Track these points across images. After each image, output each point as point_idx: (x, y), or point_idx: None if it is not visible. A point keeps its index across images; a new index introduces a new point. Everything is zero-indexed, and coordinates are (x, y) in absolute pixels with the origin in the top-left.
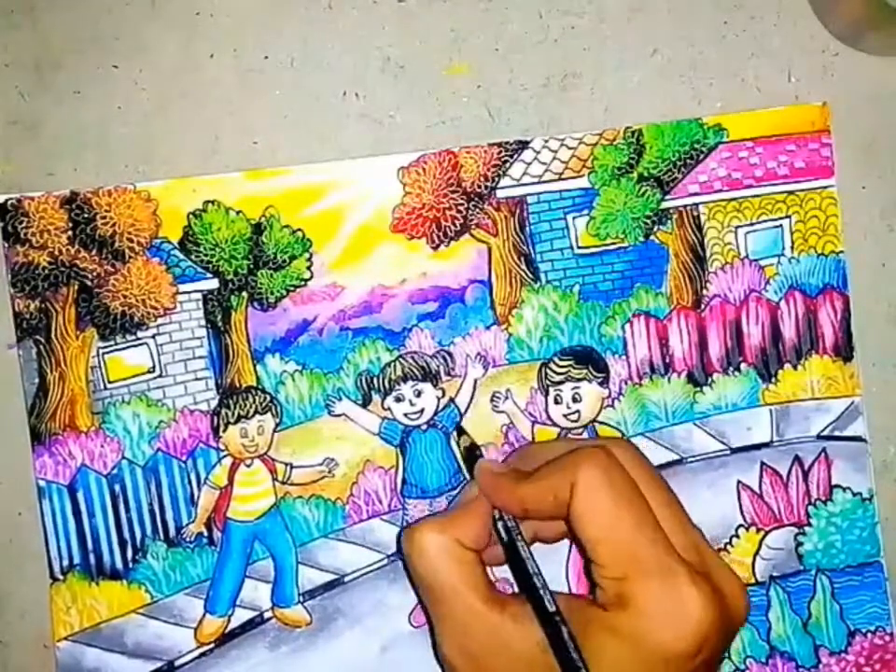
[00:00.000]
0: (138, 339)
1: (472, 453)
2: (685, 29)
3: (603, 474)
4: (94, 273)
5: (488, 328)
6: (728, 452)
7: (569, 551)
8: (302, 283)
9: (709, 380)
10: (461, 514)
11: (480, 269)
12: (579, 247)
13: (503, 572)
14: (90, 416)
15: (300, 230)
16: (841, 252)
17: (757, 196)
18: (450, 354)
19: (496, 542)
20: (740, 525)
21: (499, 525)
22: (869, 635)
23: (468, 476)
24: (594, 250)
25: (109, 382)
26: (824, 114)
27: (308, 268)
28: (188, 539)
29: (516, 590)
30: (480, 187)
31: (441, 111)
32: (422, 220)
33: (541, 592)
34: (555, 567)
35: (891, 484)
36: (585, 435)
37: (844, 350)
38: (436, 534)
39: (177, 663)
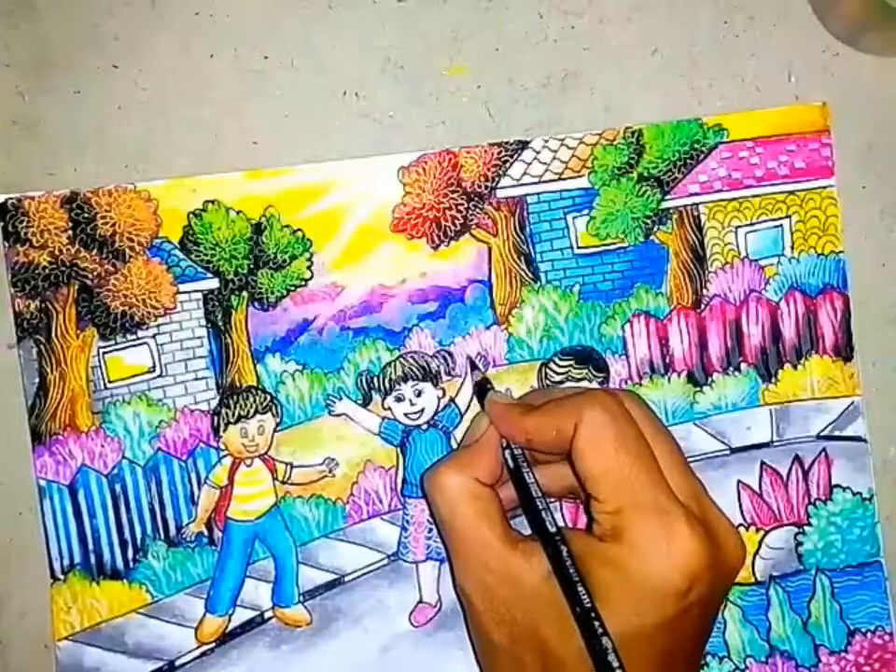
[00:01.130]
0: (138, 339)
1: (483, 387)
2: (685, 29)
3: (607, 414)
4: (95, 273)
5: (488, 328)
6: (728, 452)
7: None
8: (303, 283)
9: (709, 380)
10: (475, 451)
11: (480, 269)
12: (579, 247)
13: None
14: (90, 416)
15: (300, 229)
16: (841, 252)
17: (757, 196)
18: (450, 354)
19: (507, 480)
20: (740, 525)
21: (506, 453)
22: (869, 634)
23: (480, 408)
24: (594, 250)
25: (109, 381)
26: (824, 114)
27: (308, 268)
28: (188, 539)
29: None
30: (480, 187)
31: (441, 111)
32: (422, 220)
33: (543, 514)
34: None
35: (891, 484)
36: None
37: (844, 350)
38: (455, 474)
39: (178, 662)
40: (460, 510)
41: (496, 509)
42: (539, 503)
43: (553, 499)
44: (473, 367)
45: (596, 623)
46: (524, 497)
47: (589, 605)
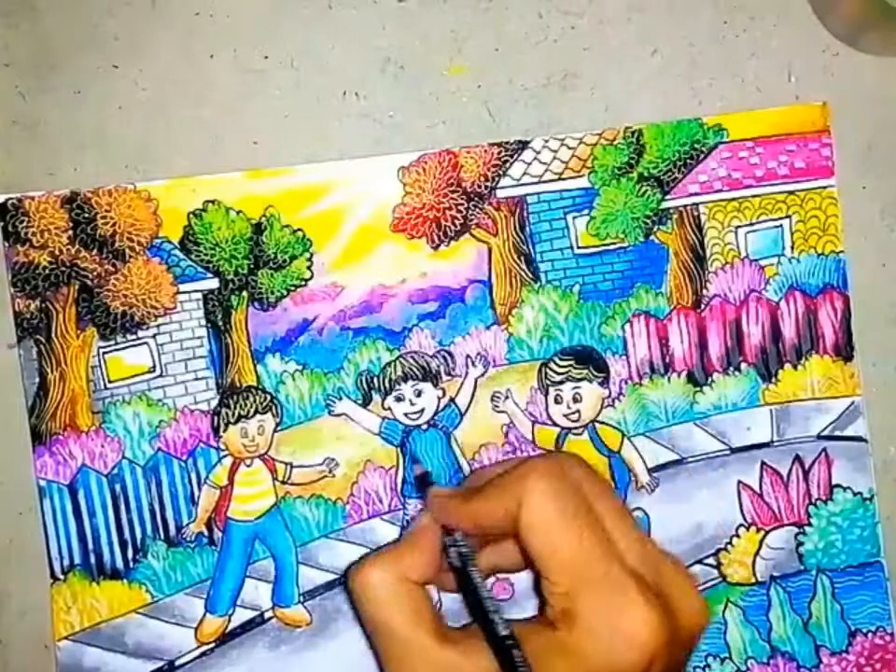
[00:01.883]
0: (138, 338)
1: (423, 481)
2: (685, 29)
3: (550, 487)
4: (95, 273)
5: (488, 327)
6: (728, 452)
7: None
8: (303, 283)
9: (709, 380)
10: (407, 548)
11: (480, 269)
12: (579, 247)
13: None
14: (90, 416)
15: (300, 229)
16: (841, 252)
17: (757, 196)
18: (450, 354)
19: (447, 570)
20: (741, 525)
21: (452, 551)
22: (870, 635)
23: (420, 506)
24: (594, 250)
25: (109, 381)
26: (824, 114)
27: (308, 268)
28: (188, 539)
29: (466, 621)
30: (480, 186)
31: (441, 111)
32: (422, 220)
33: (493, 616)
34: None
35: (892, 484)
36: (585, 436)
37: (844, 350)
38: (380, 571)
39: (178, 662)
40: (385, 609)
41: (427, 608)
42: (488, 605)
43: (502, 575)
44: (415, 460)
45: None
46: (471, 600)
47: None
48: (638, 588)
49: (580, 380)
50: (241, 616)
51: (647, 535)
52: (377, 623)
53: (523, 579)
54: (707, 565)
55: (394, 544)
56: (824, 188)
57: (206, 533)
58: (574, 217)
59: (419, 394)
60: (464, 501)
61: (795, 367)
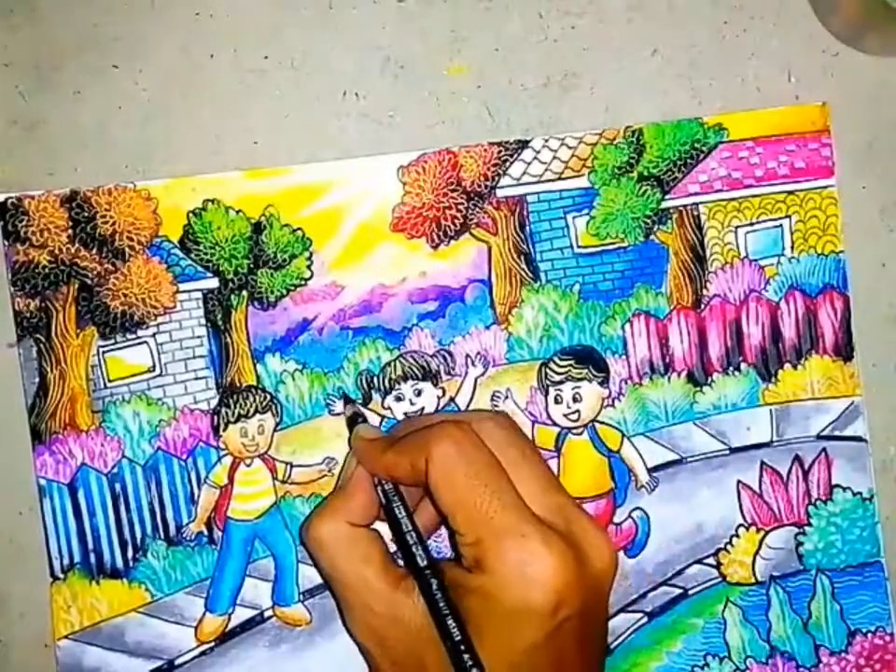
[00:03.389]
0: (138, 338)
1: (354, 420)
2: (685, 29)
3: (454, 447)
4: (94, 272)
5: (488, 327)
6: (728, 452)
7: None
8: (302, 282)
9: (709, 380)
10: (346, 493)
11: (480, 268)
12: (579, 247)
13: None
14: (90, 415)
15: (300, 229)
16: (841, 252)
17: (757, 196)
18: (450, 353)
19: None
20: (740, 525)
21: (378, 488)
22: (869, 635)
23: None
24: (594, 250)
25: (109, 381)
26: (824, 114)
27: (308, 267)
28: (188, 538)
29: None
30: (480, 186)
31: (441, 111)
32: (422, 220)
33: (413, 548)
34: None
35: (891, 484)
36: (585, 436)
37: (844, 350)
38: (327, 521)
39: (178, 661)
40: (337, 558)
41: (375, 550)
42: (409, 537)
43: (436, 534)
44: (347, 401)
45: (466, 656)
46: (396, 534)
47: (458, 637)
48: (542, 533)
49: (580, 380)
50: (241, 615)
51: (557, 483)
52: (331, 572)
53: None
54: (706, 565)
55: (334, 492)
56: (824, 188)
57: (206, 532)
58: (574, 217)
59: (419, 393)
60: (380, 451)
61: (795, 367)
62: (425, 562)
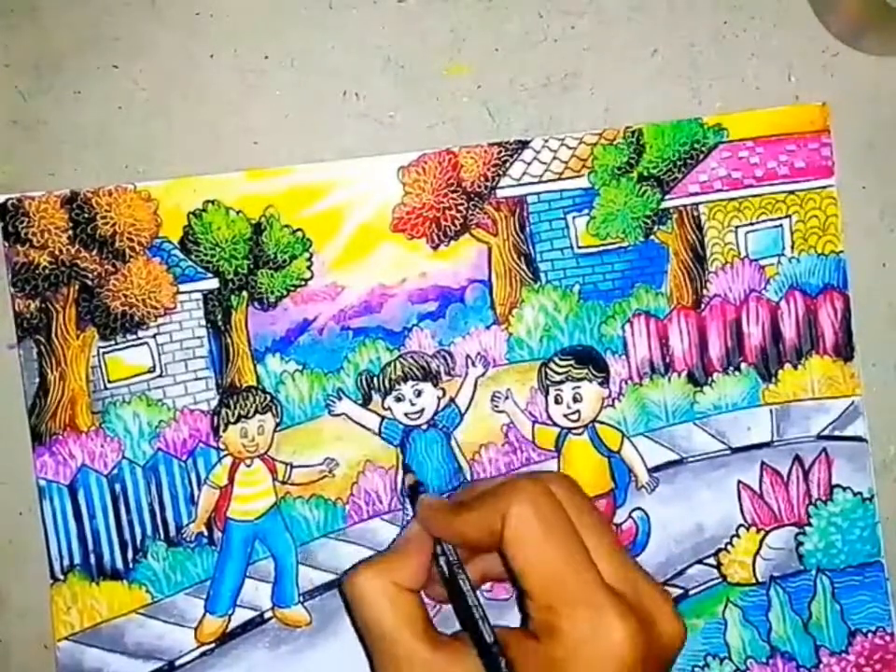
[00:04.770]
0: (138, 338)
1: (416, 490)
2: (685, 29)
3: (533, 506)
4: (95, 273)
5: (488, 327)
6: (728, 452)
7: None
8: (303, 282)
9: (709, 380)
10: (399, 555)
11: (480, 269)
12: (579, 247)
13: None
14: (90, 416)
15: (300, 229)
16: (841, 252)
17: (757, 196)
18: (450, 354)
19: (439, 581)
20: (740, 525)
21: (441, 560)
22: (870, 635)
23: (410, 513)
24: (594, 250)
25: (109, 381)
26: (824, 114)
27: (308, 267)
28: (188, 539)
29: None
30: (480, 186)
31: (441, 111)
32: (422, 220)
33: (480, 623)
34: None
35: (891, 484)
36: (585, 436)
37: (844, 350)
38: (373, 577)
39: (178, 663)
40: (379, 615)
41: (418, 614)
42: (475, 612)
43: (488, 585)
44: (406, 470)
45: None
46: (459, 607)
47: None
48: (616, 605)
49: (580, 380)
50: (241, 616)
51: (629, 554)
52: (369, 627)
53: None
54: (707, 565)
55: (387, 550)
56: (824, 188)
57: (206, 533)
58: (574, 217)
59: (419, 394)
60: (451, 514)
61: (795, 367)
62: (492, 638)
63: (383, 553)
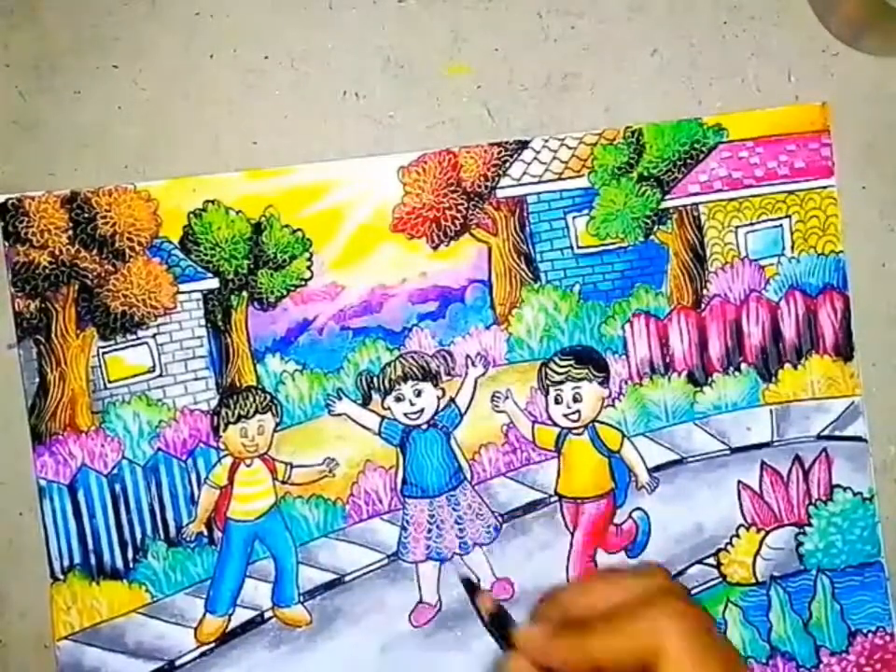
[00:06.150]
0: (138, 338)
1: (498, 617)
2: (685, 29)
3: (695, 641)
4: (95, 273)
5: (488, 327)
6: (728, 452)
7: (570, 546)
8: (302, 283)
9: (709, 380)
10: None
11: (480, 268)
12: (579, 247)
13: None
14: (90, 416)
15: (300, 229)
16: (841, 252)
17: (757, 196)
18: (450, 353)
19: None
20: (741, 525)
21: None
22: (870, 635)
23: (500, 647)
24: (594, 250)
25: (109, 381)
26: (824, 114)
27: (308, 268)
28: (188, 539)
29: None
30: (480, 186)
31: (441, 111)
32: (422, 220)
33: None
34: (557, 560)
35: (891, 484)
36: (585, 436)
37: (844, 350)
38: None
39: (178, 662)
40: None
41: None
42: None
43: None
44: (474, 589)
45: None
46: None
47: None
48: None
49: (580, 380)
50: (241, 616)
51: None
52: None
53: (527, 579)
54: (707, 565)
55: None
56: (824, 188)
57: (206, 533)
58: (574, 217)
59: (419, 394)
60: (577, 638)
61: (795, 367)
62: None
63: None
